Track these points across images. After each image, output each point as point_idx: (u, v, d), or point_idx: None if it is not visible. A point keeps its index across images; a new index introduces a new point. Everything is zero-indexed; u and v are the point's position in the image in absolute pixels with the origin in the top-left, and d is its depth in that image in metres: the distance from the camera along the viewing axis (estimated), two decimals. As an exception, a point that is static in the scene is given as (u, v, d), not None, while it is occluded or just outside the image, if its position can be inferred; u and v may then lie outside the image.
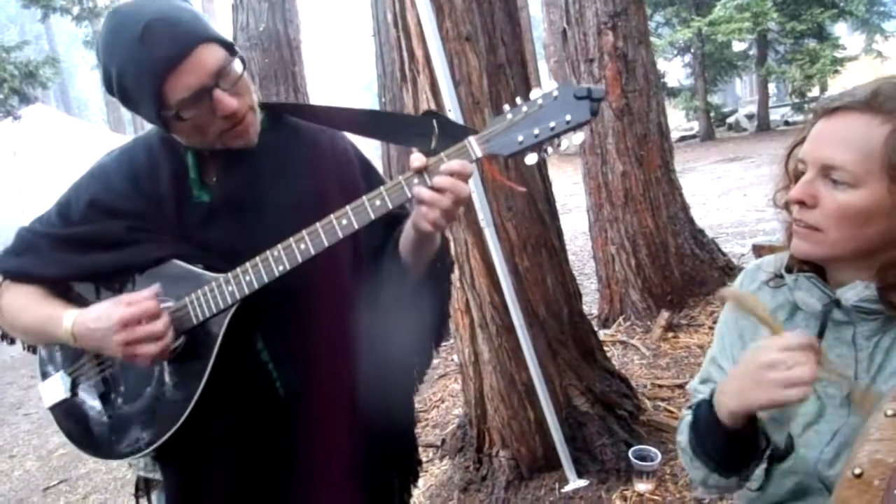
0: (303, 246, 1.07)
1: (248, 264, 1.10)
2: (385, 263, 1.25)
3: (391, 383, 1.31)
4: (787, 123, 17.10)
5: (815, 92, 16.84)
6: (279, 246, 1.08)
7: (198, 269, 1.15)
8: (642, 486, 2.46)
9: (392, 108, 5.01)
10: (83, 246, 1.21)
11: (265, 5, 5.42)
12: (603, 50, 4.13)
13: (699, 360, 3.51)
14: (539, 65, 17.93)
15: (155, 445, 1.19)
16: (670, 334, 3.89)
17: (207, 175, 1.22)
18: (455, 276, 2.60)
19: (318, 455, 1.22)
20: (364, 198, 1.04)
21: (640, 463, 2.46)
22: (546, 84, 1.02)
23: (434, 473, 2.98)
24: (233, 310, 1.13)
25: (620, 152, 4.19)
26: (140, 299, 1.09)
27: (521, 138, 1.01)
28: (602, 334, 3.85)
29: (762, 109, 17.00)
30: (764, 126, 16.63)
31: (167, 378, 1.18)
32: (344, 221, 1.05)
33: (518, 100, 1.03)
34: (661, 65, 16.51)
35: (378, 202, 1.04)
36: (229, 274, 1.12)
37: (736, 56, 17.34)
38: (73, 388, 1.27)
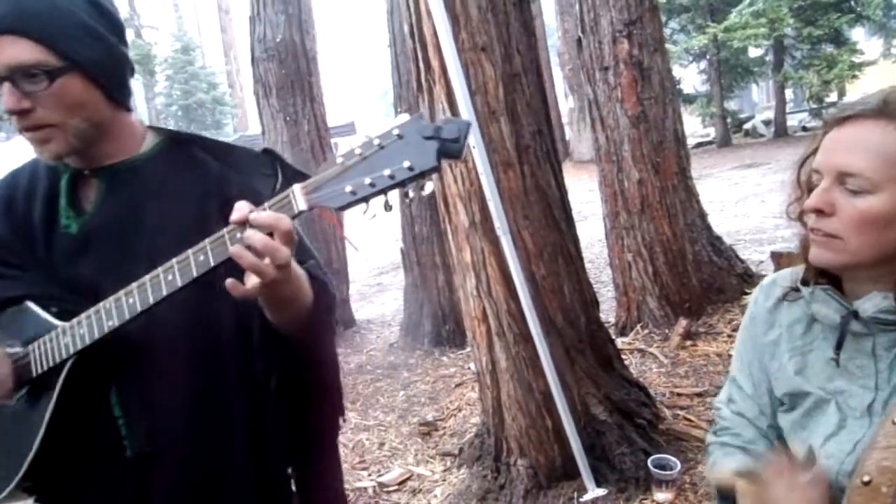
0: (131, 300, 0.96)
1: (83, 315, 1.00)
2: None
3: (260, 452, 1.14)
4: (804, 129, 16.92)
5: (832, 97, 16.67)
6: (111, 298, 0.97)
7: (45, 315, 1.05)
8: (662, 496, 2.44)
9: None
10: None
11: (282, 17, 5.47)
12: (618, 58, 4.13)
13: (718, 369, 3.48)
14: (554, 72, 17.94)
15: (2, 495, 1.11)
16: (688, 342, 3.86)
17: (86, 201, 1.11)
18: (472, 284, 2.61)
19: None
20: (189, 251, 0.92)
21: (659, 472, 2.45)
22: (397, 118, 0.85)
23: (452, 482, 2.98)
24: (68, 364, 1.02)
25: (636, 159, 4.18)
26: None
27: (349, 188, 0.83)
28: (619, 342, 3.84)
29: (779, 115, 16.83)
30: (781, 132, 16.47)
31: (12, 429, 1.09)
32: (170, 277, 0.93)
33: (363, 137, 0.86)
34: (677, 71, 16.44)
35: (202, 257, 0.91)
36: (67, 324, 1.02)
37: (752, 62, 17.19)
38: None
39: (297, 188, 0.88)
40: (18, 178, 1.16)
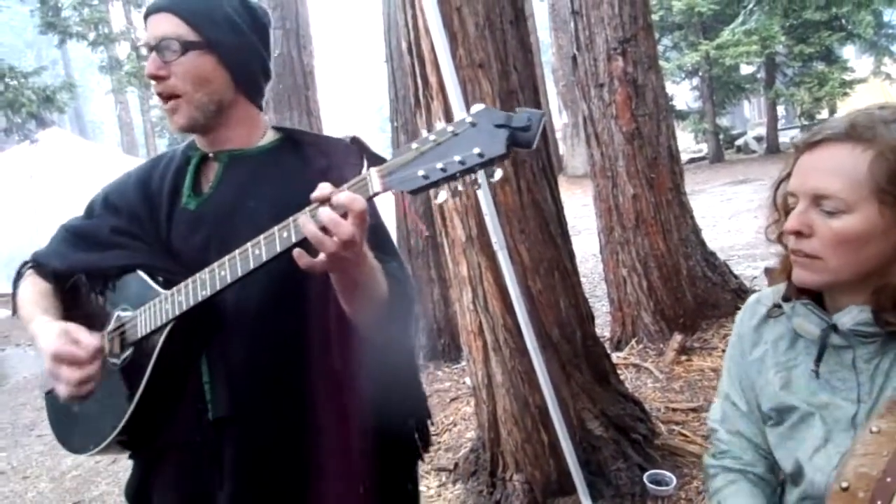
0: (223, 273, 1.03)
1: (182, 284, 1.09)
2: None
3: (341, 427, 1.20)
4: (796, 146, 17.01)
5: (824, 114, 16.82)
6: (206, 270, 1.06)
7: (151, 283, 1.16)
8: (657, 511, 2.44)
9: (404, 132, 5.05)
10: (79, 241, 1.29)
11: (279, 32, 5.50)
12: (613, 75, 4.17)
13: (713, 384, 3.49)
14: (548, 88, 18.04)
15: (97, 449, 1.22)
16: (683, 357, 3.88)
17: (206, 182, 1.25)
18: (468, 299, 2.61)
19: (250, 486, 1.16)
20: (275, 228, 0.99)
21: (655, 487, 2.45)
22: (473, 107, 0.88)
23: (447, 498, 2.96)
24: (167, 329, 1.12)
25: (631, 175, 4.21)
26: (77, 347, 1.10)
27: (422, 172, 0.86)
28: (614, 357, 3.84)
29: (771, 132, 16.99)
30: (773, 148, 16.61)
31: (115, 386, 1.20)
32: (256, 251, 1.00)
33: (438, 124, 0.90)
34: (670, 88, 16.54)
35: (285, 233, 0.97)
36: (168, 292, 1.12)
37: (744, 79, 17.36)
38: None
39: (373, 171, 0.92)
40: (158, 162, 1.32)
